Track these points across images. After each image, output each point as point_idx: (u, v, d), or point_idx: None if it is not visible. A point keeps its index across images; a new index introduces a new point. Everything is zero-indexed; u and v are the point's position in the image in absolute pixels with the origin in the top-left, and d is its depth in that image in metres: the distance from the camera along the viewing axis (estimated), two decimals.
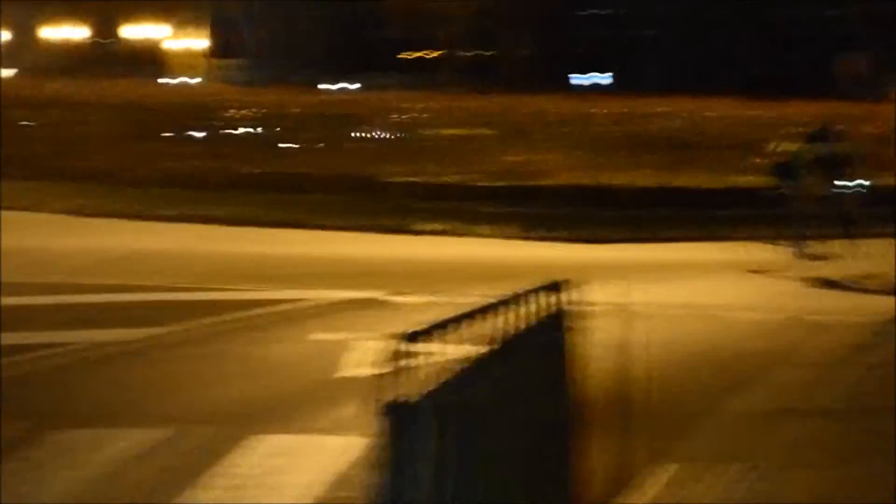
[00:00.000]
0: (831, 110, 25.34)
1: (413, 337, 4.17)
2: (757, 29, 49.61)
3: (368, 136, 26.29)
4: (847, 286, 16.18)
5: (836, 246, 17.51)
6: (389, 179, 23.59)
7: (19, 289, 13.68)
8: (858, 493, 7.17)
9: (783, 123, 24.32)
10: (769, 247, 17.79)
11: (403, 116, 25.74)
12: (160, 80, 45.58)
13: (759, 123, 23.89)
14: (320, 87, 42.97)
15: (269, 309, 13.47)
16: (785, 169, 17.93)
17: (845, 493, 7.18)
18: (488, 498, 4.76)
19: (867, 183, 17.95)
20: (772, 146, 18.15)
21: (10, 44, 49.01)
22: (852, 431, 8.55)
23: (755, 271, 17.15)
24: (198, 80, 47.27)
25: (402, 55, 52.60)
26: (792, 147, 17.98)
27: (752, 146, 23.78)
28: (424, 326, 4.29)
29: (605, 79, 50.03)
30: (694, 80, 38.95)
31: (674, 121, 23.58)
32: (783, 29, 50.09)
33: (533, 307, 5.38)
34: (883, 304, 14.00)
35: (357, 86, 44.21)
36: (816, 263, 17.18)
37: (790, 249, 17.58)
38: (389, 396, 4.01)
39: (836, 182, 17.71)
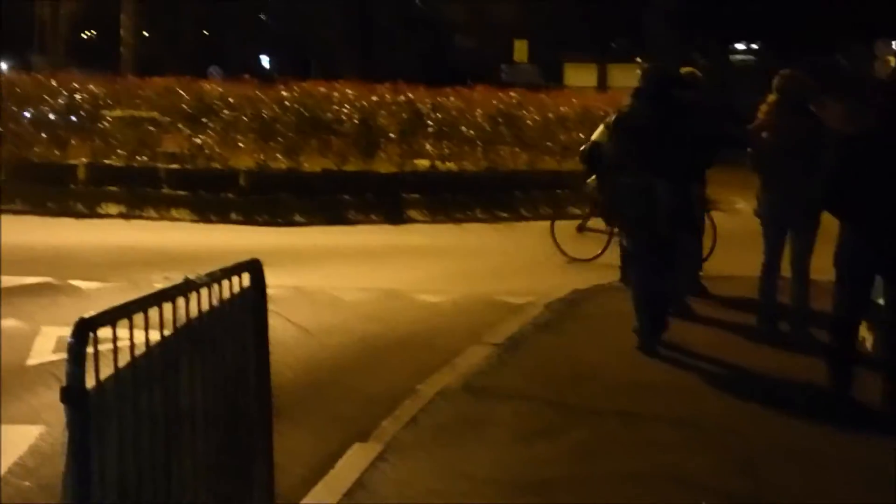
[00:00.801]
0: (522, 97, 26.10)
1: (97, 322, 4.03)
2: (423, 21, 50.76)
3: (43, 117, 25.42)
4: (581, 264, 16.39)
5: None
6: (72, 162, 23.05)
7: None
8: (539, 469, 7.39)
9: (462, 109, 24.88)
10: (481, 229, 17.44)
11: (79, 97, 24.92)
12: None
13: (445, 109, 24.34)
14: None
15: None
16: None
17: (529, 470, 7.41)
18: (177, 489, 4.66)
19: None
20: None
21: None
22: (534, 410, 8.75)
23: (447, 254, 17.49)
24: None
25: (77, 35, 51.17)
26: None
27: (436, 130, 24.31)
28: (110, 311, 4.16)
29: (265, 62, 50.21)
30: (364, 67, 39.58)
31: (355, 106, 23.74)
32: (449, 21, 51.41)
33: (221, 291, 5.20)
34: (593, 279, 14.41)
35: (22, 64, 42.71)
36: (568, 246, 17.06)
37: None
38: (72, 384, 3.88)
39: None
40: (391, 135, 23.67)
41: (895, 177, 8.49)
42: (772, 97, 11.34)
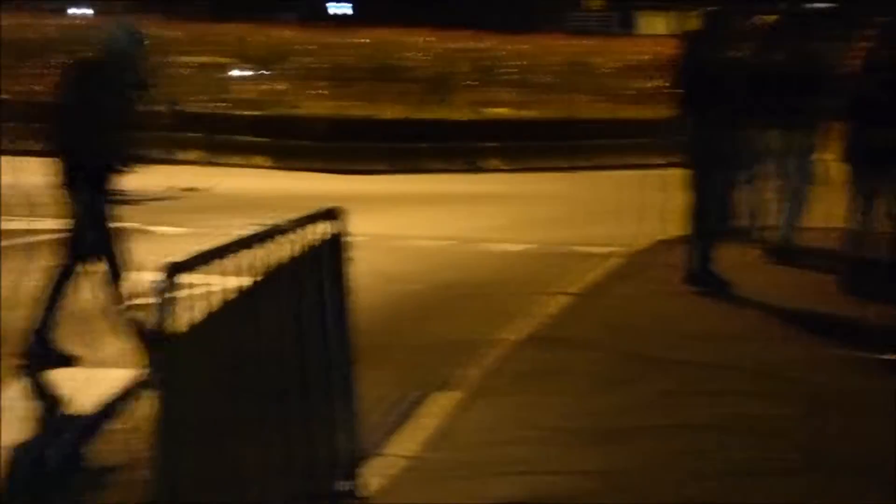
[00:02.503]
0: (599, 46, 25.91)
1: (186, 266, 4.04)
2: None
3: None
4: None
5: None
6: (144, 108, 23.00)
7: None
8: (620, 418, 7.38)
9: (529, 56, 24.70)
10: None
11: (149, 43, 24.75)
12: None
13: (522, 56, 24.21)
14: (68, 12, 41.61)
15: (29, 238, 13.01)
16: None
17: (610, 419, 7.40)
18: (261, 431, 4.72)
19: None
20: None
21: None
22: (613, 360, 8.73)
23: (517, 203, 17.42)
24: None
25: None
26: None
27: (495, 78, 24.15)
28: (198, 256, 4.17)
29: (346, 8, 49.90)
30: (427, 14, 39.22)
31: (421, 53, 23.57)
32: None
33: (302, 238, 5.23)
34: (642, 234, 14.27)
35: (89, 11, 42.70)
36: None
37: None
38: (158, 328, 3.88)
39: None
40: (468, 82, 23.55)
41: None
42: (865, 43, 11.11)
